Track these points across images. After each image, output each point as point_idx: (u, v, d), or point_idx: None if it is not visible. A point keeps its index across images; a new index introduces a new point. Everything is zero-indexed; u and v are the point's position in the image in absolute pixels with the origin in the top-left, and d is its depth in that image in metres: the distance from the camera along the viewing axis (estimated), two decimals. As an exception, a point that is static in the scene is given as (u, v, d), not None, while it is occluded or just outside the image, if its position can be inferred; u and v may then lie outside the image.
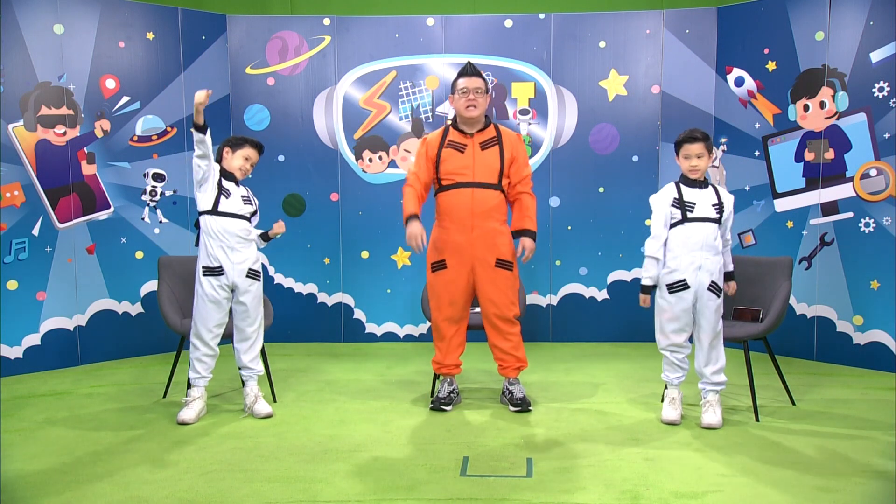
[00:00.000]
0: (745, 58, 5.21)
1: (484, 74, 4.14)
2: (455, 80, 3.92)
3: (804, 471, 3.07)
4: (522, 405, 3.90)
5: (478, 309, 4.19)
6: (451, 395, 3.98)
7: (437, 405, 3.92)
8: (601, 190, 5.53)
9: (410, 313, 5.64)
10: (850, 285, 4.80)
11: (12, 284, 4.72)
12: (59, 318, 4.89)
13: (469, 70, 3.92)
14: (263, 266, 5.37)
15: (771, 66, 5.07)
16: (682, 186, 3.63)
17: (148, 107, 5.19)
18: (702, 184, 3.63)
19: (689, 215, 3.57)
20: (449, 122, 3.98)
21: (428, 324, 5.63)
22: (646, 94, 5.49)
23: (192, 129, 3.55)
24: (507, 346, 3.93)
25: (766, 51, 5.09)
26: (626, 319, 5.61)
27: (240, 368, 3.88)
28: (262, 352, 4.10)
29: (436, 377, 4.22)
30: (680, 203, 3.59)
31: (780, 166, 5.07)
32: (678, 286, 3.57)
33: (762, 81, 5.12)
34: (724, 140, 5.34)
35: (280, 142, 5.59)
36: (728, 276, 3.73)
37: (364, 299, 5.70)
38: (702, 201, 3.59)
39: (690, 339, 3.68)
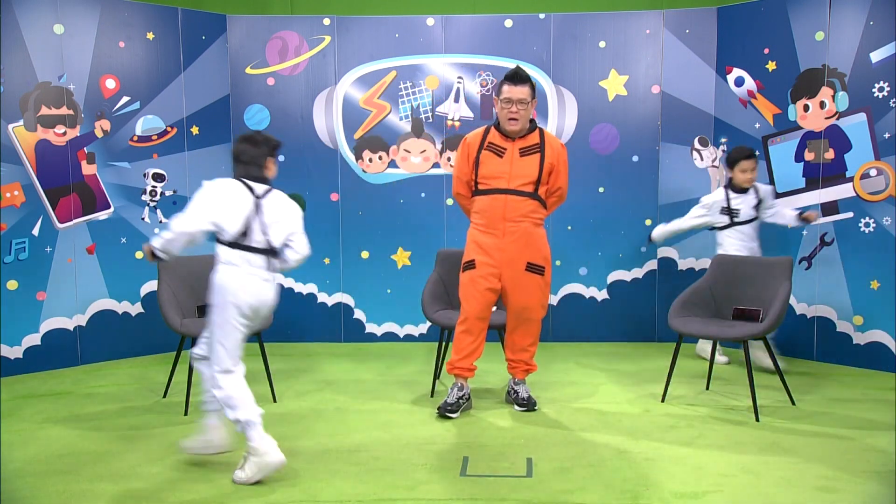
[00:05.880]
0: (745, 58, 5.20)
1: (532, 79, 3.70)
2: (500, 84, 3.65)
3: (804, 471, 3.07)
4: (528, 405, 3.91)
5: (493, 308, 4.01)
6: (460, 401, 3.85)
7: (444, 412, 3.79)
8: (601, 190, 5.52)
9: (410, 313, 5.63)
10: (850, 285, 4.80)
11: (12, 284, 4.71)
12: (59, 318, 4.88)
13: (515, 77, 3.60)
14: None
15: (771, 66, 5.07)
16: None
17: (148, 107, 5.18)
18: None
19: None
20: (492, 124, 3.80)
21: (428, 324, 5.62)
22: (646, 94, 5.49)
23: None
24: (520, 351, 3.90)
25: (766, 51, 5.08)
26: (626, 319, 5.60)
27: None
28: (262, 352, 4.12)
29: (436, 376, 4.22)
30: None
31: (780, 166, 5.07)
32: None
33: (762, 81, 5.12)
34: (724, 140, 5.34)
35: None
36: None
37: (364, 299, 5.69)
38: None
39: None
